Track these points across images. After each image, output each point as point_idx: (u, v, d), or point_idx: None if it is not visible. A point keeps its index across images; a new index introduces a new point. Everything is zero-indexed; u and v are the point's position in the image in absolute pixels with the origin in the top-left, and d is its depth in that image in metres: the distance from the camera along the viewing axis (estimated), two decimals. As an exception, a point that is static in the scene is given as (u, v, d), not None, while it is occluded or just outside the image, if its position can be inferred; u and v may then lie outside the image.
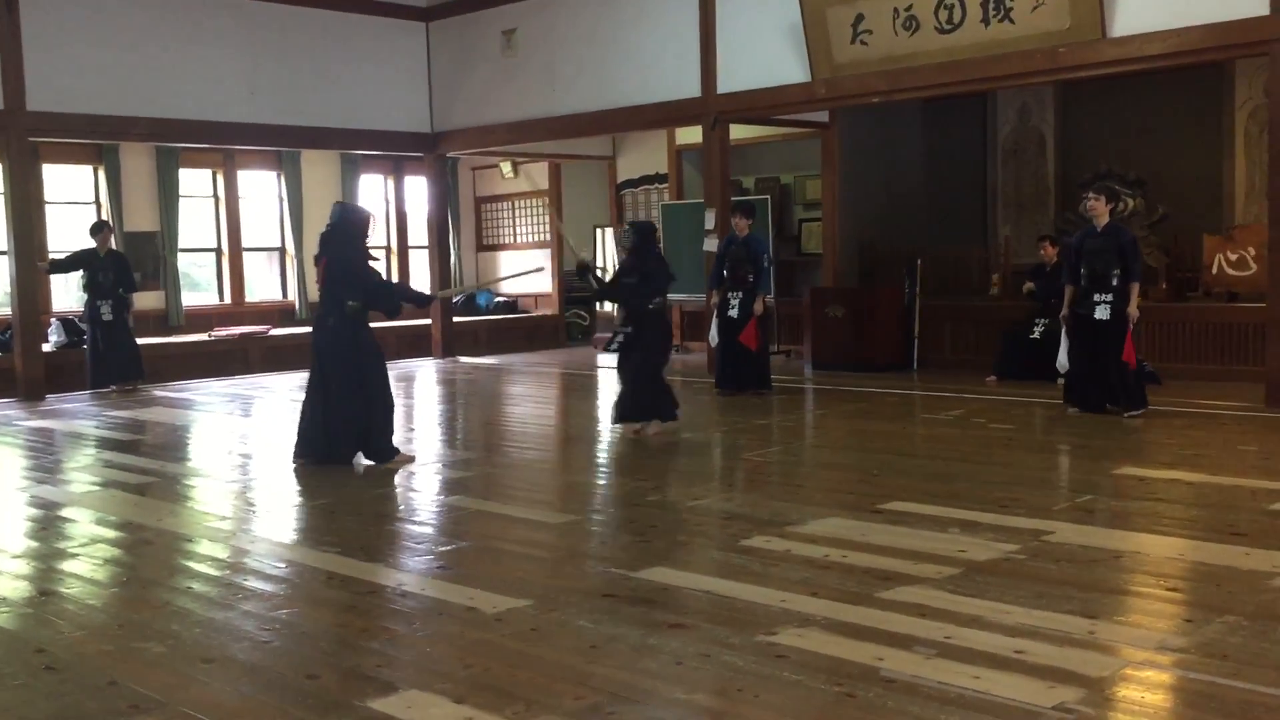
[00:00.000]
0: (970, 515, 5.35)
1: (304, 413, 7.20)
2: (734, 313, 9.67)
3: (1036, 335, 10.15)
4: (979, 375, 10.42)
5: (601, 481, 6.99)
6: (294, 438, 7.26)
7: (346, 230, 6.98)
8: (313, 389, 7.13)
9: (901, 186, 13.49)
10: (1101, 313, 8.06)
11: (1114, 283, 8.00)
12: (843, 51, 10.24)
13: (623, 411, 8.13)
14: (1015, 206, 12.87)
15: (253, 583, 4.72)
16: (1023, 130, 12.84)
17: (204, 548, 5.33)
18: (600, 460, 7.77)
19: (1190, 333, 10.14)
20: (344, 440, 7.08)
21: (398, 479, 6.88)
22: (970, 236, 12.96)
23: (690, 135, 13.30)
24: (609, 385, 11.89)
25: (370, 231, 7.25)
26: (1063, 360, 8.51)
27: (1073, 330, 8.32)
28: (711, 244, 11.31)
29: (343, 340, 6.96)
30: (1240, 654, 3.52)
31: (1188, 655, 3.53)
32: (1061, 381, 8.66)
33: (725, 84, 11.25)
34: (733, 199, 11.57)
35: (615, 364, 8.57)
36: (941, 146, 13.52)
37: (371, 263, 7.14)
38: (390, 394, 7.19)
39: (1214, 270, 10.36)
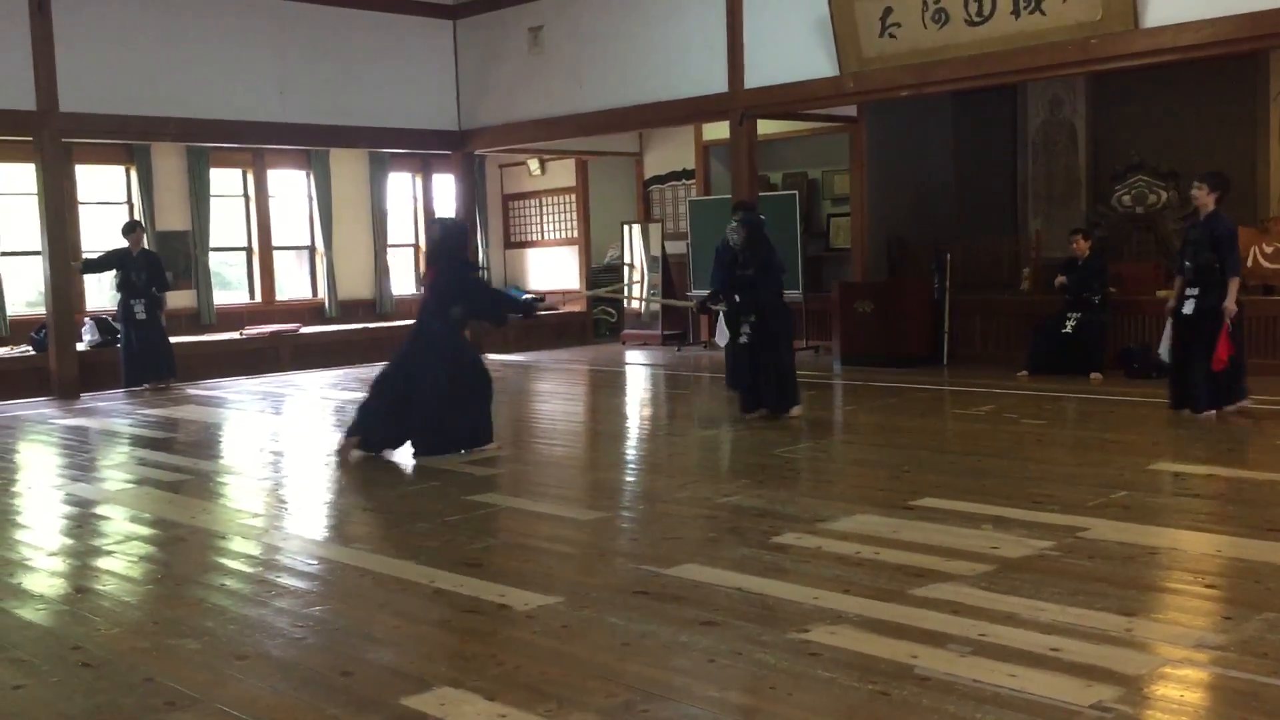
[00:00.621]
0: (1003, 511, 5.31)
1: (374, 403, 7.39)
2: None
3: (1069, 329, 10.07)
4: (1010, 370, 10.34)
5: (631, 478, 6.99)
6: (354, 422, 7.48)
7: (450, 244, 7.51)
8: (390, 384, 7.33)
9: (931, 180, 13.40)
10: (1187, 308, 7.75)
11: (1206, 276, 7.62)
12: (871, 45, 10.18)
13: (764, 401, 8.42)
14: (1046, 199, 12.76)
15: (286, 579, 4.75)
16: (1053, 123, 12.72)
17: (237, 545, 5.36)
18: (629, 457, 7.76)
19: (1225, 326, 10.00)
20: (450, 436, 7.34)
21: (428, 477, 6.90)
22: (1000, 230, 12.86)
23: (718, 131, 13.25)
24: (636, 381, 11.90)
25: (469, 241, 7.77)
26: (1163, 352, 8.15)
27: (1173, 324, 7.95)
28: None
29: (444, 345, 7.30)
30: (1280, 652, 3.47)
31: (1227, 653, 3.49)
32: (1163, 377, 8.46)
33: (752, 79, 11.21)
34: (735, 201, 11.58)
35: (731, 353, 8.75)
36: (971, 140, 13.42)
37: (478, 274, 7.65)
38: (491, 388, 7.55)
39: (1249, 263, 10.22)
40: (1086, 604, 3.95)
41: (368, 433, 7.34)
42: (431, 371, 7.19)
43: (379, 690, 3.44)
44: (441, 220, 8.23)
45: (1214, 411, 7.76)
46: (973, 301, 11.59)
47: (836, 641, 3.68)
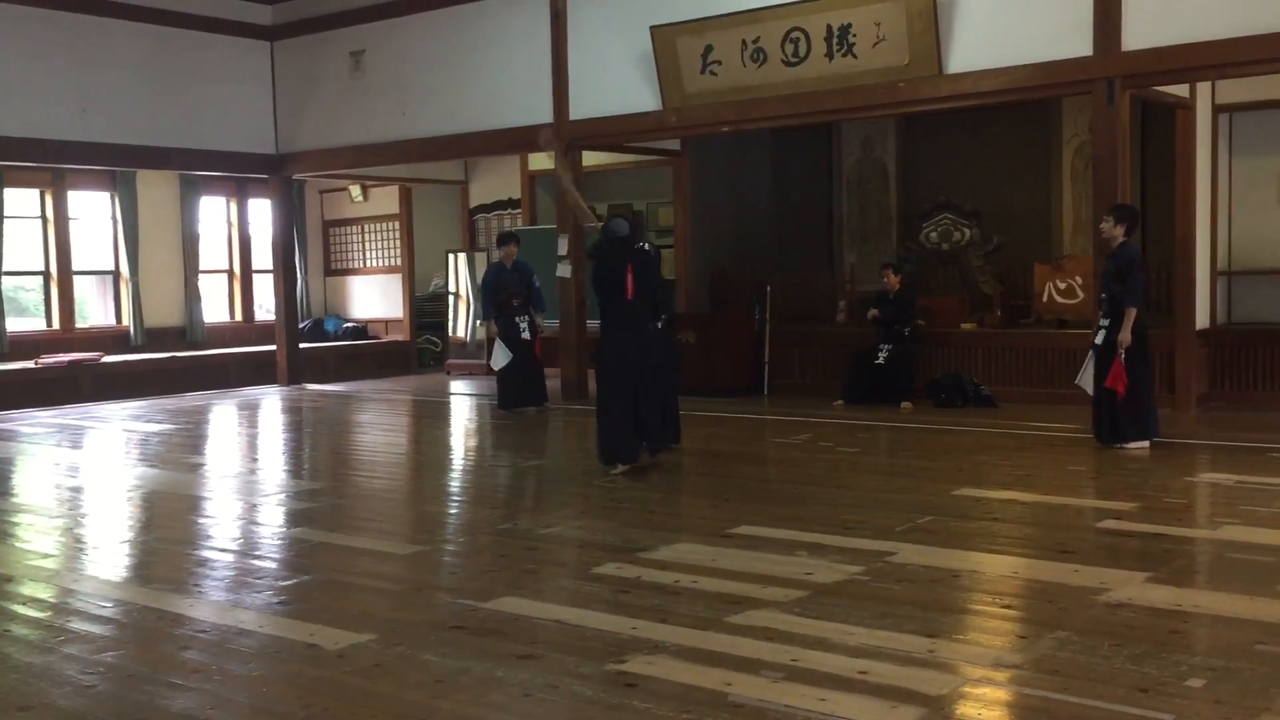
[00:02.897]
0: (817, 538, 5.44)
1: (614, 419, 7.43)
2: (527, 334, 10.72)
3: (881, 360, 10.44)
4: (827, 399, 10.65)
5: (453, 511, 6.87)
6: (603, 448, 7.54)
7: (636, 238, 7.62)
8: (623, 394, 7.41)
9: (751, 214, 13.74)
10: (1099, 337, 7.83)
11: (1116, 307, 7.69)
12: (693, 81, 10.40)
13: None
14: (860, 235, 13.25)
15: (77, 624, 4.46)
16: (866, 161, 13.24)
17: (26, 589, 5.02)
18: (452, 489, 7.64)
19: (1022, 357, 10.57)
20: (653, 434, 7.60)
21: (239, 511, 6.63)
22: (817, 264, 13.28)
23: (543, 161, 13.29)
24: (460, 412, 11.75)
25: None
26: (1083, 383, 8.04)
27: (1093, 355, 7.96)
28: (565, 269, 11.37)
29: (659, 345, 7.69)
30: (1071, 668, 3.65)
31: (1023, 671, 3.65)
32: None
33: (577, 110, 11.29)
34: (500, 232, 12.09)
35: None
36: (789, 176, 13.84)
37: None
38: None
39: (1044, 298, 10.83)
40: (894, 626, 4.07)
41: (617, 451, 7.43)
42: (651, 374, 7.46)
43: (175, 739, 3.26)
44: (617, 217, 7.83)
45: (1146, 443, 7.74)
46: (792, 333, 11.91)
47: (653, 671, 3.68)
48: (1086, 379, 7.99)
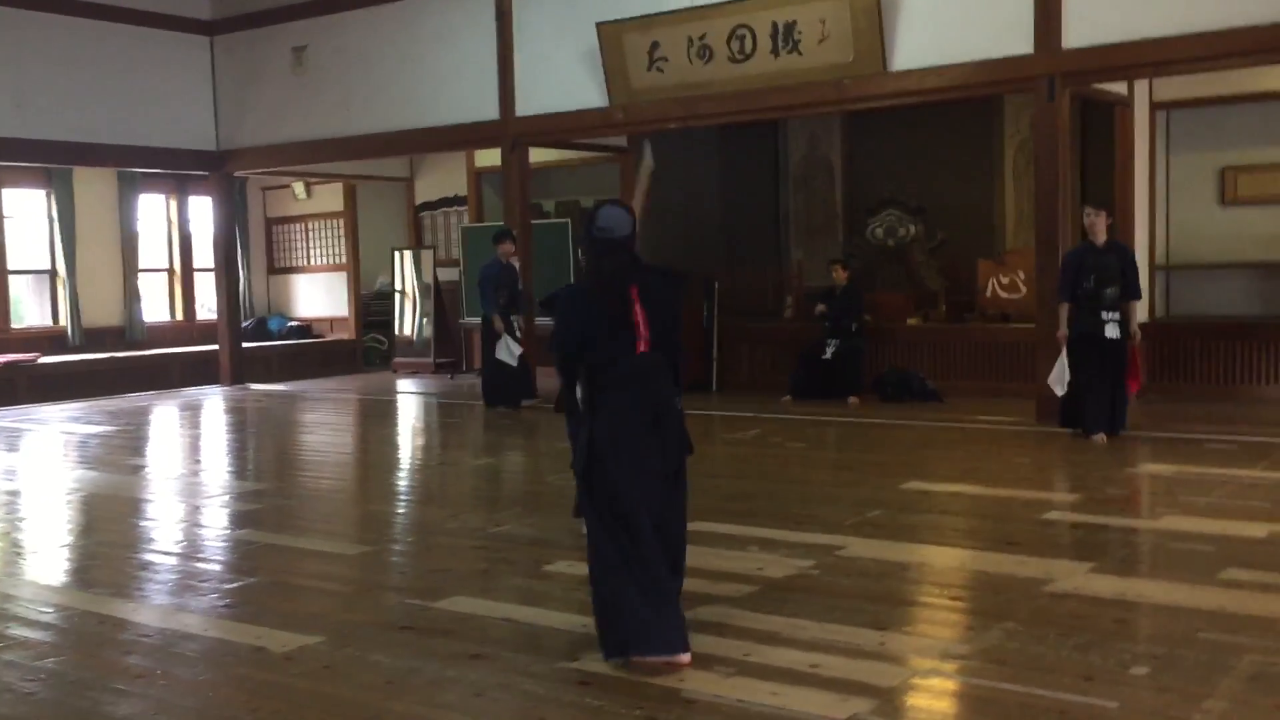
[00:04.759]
0: (768, 533, 5.46)
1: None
2: (518, 333, 10.70)
3: (828, 356, 10.50)
4: (776, 395, 10.70)
5: (401, 510, 6.81)
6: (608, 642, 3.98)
7: (630, 242, 4.05)
8: (643, 525, 3.83)
9: (699, 210, 13.75)
10: (1111, 331, 7.75)
11: (1115, 301, 7.71)
12: (640, 78, 10.39)
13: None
14: (806, 231, 13.32)
15: (16, 630, 4.36)
16: (812, 158, 13.31)
17: (-40, 595, 4.91)
18: (400, 488, 7.58)
19: (967, 352, 10.70)
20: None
21: (183, 514, 6.52)
22: (765, 260, 13.33)
23: (490, 158, 13.21)
24: (407, 411, 11.65)
25: None
26: (1060, 378, 7.86)
27: (1075, 349, 7.83)
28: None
29: (680, 429, 4.19)
30: (1018, 659, 3.69)
31: (970, 662, 3.69)
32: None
33: (524, 107, 11.24)
34: (495, 228, 11.72)
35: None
36: (736, 172, 13.87)
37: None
38: None
39: (988, 293, 10.96)
40: (844, 620, 4.10)
41: (650, 638, 3.72)
42: (683, 492, 4.10)
43: (119, 746, 3.20)
44: (610, 204, 4.11)
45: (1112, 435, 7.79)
46: (740, 328, 11.94)
47: (606, 669, 3.67)
48: (1059, 377, 7.85)
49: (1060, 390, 7.92)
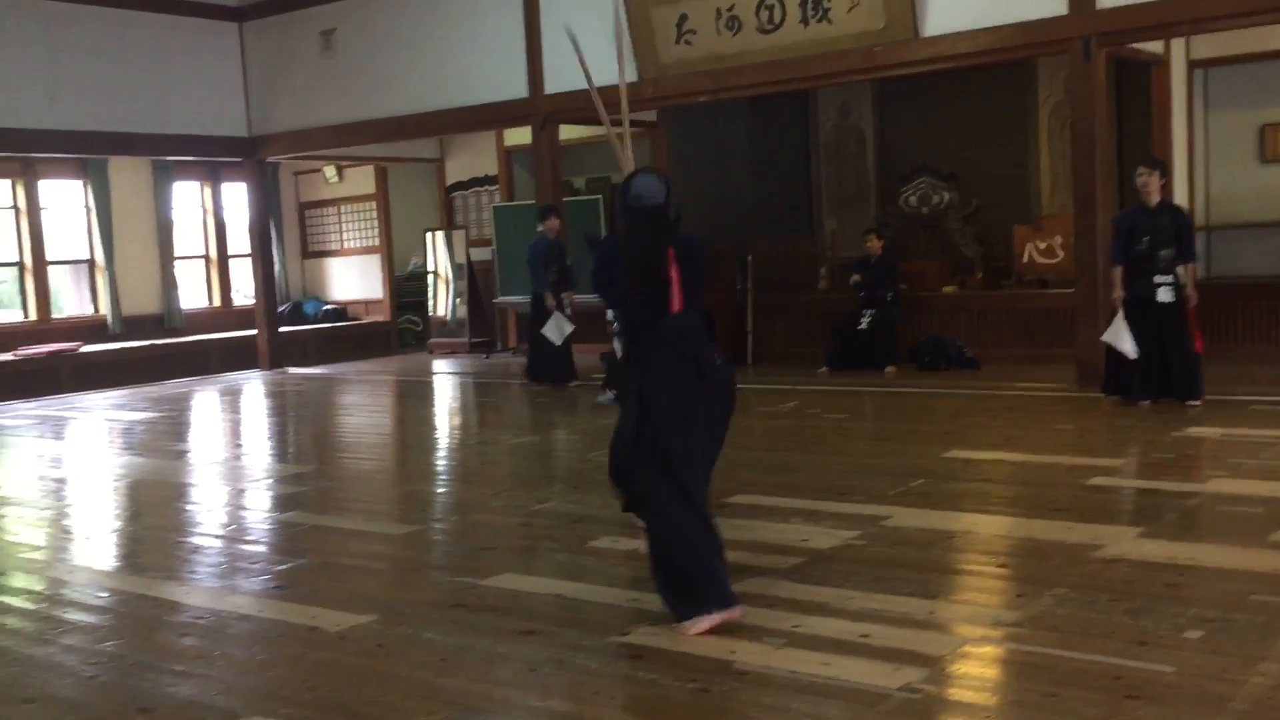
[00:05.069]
0: (811, 505, 5.46)
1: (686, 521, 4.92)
2: (568, 310, 10.61)
3: (864, 326, 10.45)
4: (811, 367, 10.66)
5: (442, 490, 6.86)
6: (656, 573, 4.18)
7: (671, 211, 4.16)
8: (694, 472, 4.04)
9: (730, 184, 13.69)
10: (1165, 295, 7.57)
11: (1174, 263, 7.55)
12: (668, 51, 10.33)
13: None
14: (839, 201, 13.23)
15: (73, 615, 4.44)
16: (843, 127, 13.20)
17: (18, 581, 5.00)
18: (440, 468, 7.63)
19: (1004, 319, 10.61)
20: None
21: (228, 497, 6.60)
22: (797, 231, 13.26)
23: (519, 136, 13.21)
24: (444, 391, 11.71)
25: None
26: (1129, 347, 7.65)
27: (1130, 314, 7.67)
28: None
29: (729, 387, 4.46)
30: (1068, 625, 3.68)
31: (1021, 629, 3.67)
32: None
33: (553, 84, 11.20)
34: (539, 205, 11.61)
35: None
36: (767, 144, 13.78)
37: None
38: None
39: (1025, 259, 10.86)
40: (892, 590, 4.10)
41: (706, 594, 3.86)
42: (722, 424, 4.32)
43: (181, 726, 3.25)
44: (645, 172, 4.30)
45: (1201, 400, 7.62)
46: (774, 301, 11.90)
47: (656, 642, 3.69)
48: (1124, 339, 7.65)
49: (1132, 352, 7.67)
